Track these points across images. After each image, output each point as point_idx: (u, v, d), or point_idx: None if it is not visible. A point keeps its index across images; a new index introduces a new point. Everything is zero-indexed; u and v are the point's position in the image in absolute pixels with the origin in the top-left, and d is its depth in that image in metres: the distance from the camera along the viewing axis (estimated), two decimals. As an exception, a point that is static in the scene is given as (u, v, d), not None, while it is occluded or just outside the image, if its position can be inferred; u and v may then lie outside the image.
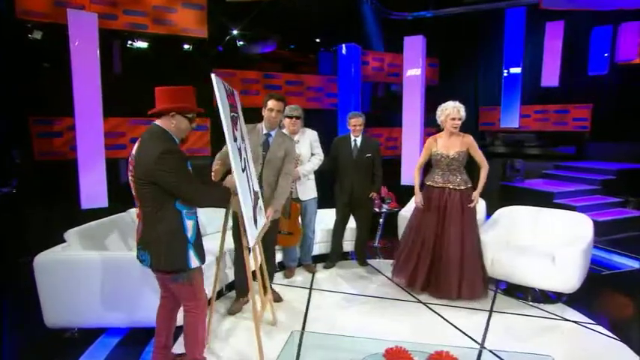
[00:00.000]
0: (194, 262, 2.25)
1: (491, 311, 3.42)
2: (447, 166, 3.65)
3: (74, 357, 2.85)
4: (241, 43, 6.88)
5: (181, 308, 2.47)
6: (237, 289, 3.50)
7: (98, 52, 4.88)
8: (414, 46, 6.12)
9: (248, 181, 2.82)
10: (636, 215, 6.07)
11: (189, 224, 2.23)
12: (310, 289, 3.93)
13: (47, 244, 3.14)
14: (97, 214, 4.96)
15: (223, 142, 2.52)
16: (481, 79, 8.06)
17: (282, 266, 4.26)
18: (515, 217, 3.92)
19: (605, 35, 7.33)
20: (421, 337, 3.00)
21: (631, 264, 4.64)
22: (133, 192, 2.22)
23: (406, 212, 4.44)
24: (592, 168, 6.90)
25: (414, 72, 6.17)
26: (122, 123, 5.80)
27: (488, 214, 4.36)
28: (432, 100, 6.75)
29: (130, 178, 2.22)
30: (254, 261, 3.14)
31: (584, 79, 7.49)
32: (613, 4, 6.98)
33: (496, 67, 7.72)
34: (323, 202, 4.29)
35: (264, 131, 3.29)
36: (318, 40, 7.64)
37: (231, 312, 3.38)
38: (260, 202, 3.09)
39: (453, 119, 3.57)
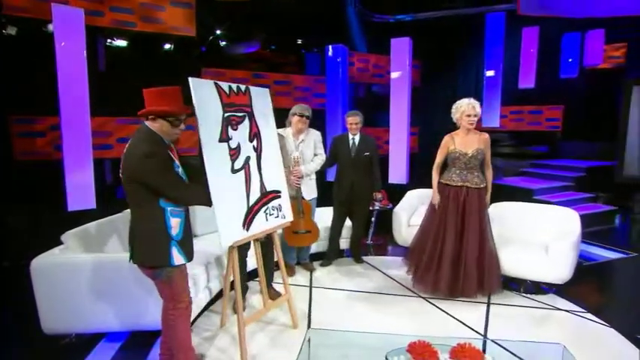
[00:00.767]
0: (177, 259, 2.23)
1: (489, 303, 3.48)
2: (464, 164, 3.50)
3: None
4: (230, 42, 6.74)
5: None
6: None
7: (85, 49, 4.65)
8: (401, 47, 6.16)
9: (247, 181, 2.74)
10: (606, 210, 6.36)
11: (174, 222, 2.21)
12: (310, 287, 3.89)
13: (33, 247, 2.95)
14: (84, 215, 4.75)
15: None
16: (461, 81, 8.22)
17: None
18: (506, 213, 4.00)
19: (575, 41, 7.64)
20: (426, 330, 3.00)
21: (606, 255, 4.84)
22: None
23: (401, 210, 4.46)
24: (564, 166, 7.18)
25: (400, 73, 6.22)
26: (108, 122, 5.56)
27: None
28: (415, 101, 6.86)
29: (120, 174, 2.21)
30: (257, 259, 3.11)
31: (556, 81, 7.77)
32: (581, 12, 7.30)
33: (474, 70, 7.90)
34: (320, 200, 4.25)
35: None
36: (305, 41, 7.58)
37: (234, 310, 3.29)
38: (277, 202, 3.00)
39: (469, 116, 3.42)
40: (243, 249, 3.23)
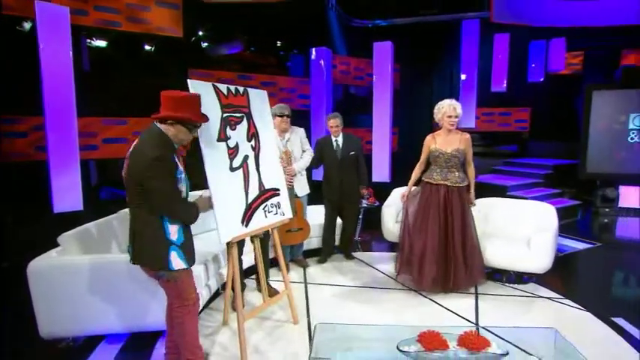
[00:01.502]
0: (177, 263, 2.15)
1: (476, 294, 3.58)
2: (445, 162, 3.53)
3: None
4: (216, 44, 6.63)
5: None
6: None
7: (71, 48, 4.45)
8: (383, 51, 6.25)
9: (245, 179, 2.75)
10: (572, 204, 6.70)
11: (172, 228, 2.13)
12: (305, 283, 3.88)
13: (21, 250, 2.81)
14: (71, 217, 4.55)
15: (198, 142, 2.46)
16: (437, 84, 8.44)
17: (273, 263, 4.15)
18: (488, 208, 4.12)
19: (540, 48, 8.00)
20: (421, 320, 3.07)
21: (575, 245, 5.09)
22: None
23: (388, 207, 4.52)
24: (533, 164, 7.50)
25: (383, 75, 6.31)
26: (94, 123, 5.35)
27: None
28: (395, 102, 6.98)
29: (123, 173, 2.16)
30: (258, 255, 3.09)
31: (524, 85, 8.11)
32: (545, 21, 7.66)
33: (450, 73, 8.13)
34: (310, 198, 4.25)
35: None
36: (289, 44, 7.56)
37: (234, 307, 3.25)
38: (276, 199, 2.99)
39: (450, 117, 3.46)
40: (237, 247, 3.19)
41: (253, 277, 3.79)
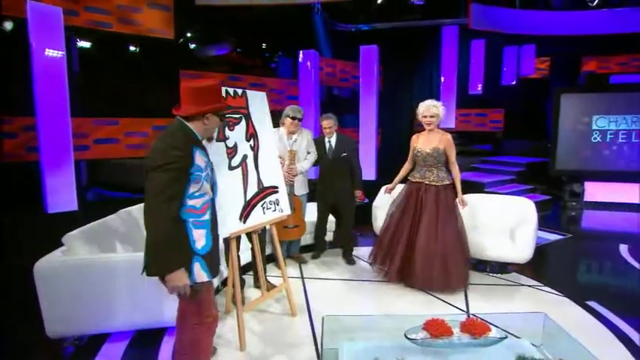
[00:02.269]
0: (200, 276, 1.84)
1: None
2: (423, 161, 3.54)
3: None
4: (207, 46, 6.54)
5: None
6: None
7: (65, 48, 4.31)
8: (369, 54, 6.32)
9: (244, 177, 2.78)
10: (543, 199, 6.98)
11: (197, 234, 1.83)
12: (302, 278, 3.91)
13: (19, 251, 2.72)
14: (66, 218, 4.42)
15: None
16: (416, 86, 8.61)
17: (269, 258, 4.16)
18: (472, 203, 4.25)
19: (513, 54, 8.29)
20: (416, 310, 3.18)
21: (548, 237, 5.32)
22: None
23: (379, 203, 4.59)
24: (507, 161, 7.76)
25: (369, 77, 6.38)
26: (85, 123, 5.20)
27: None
28: (378, 103, 7.08)
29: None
30: (257, 251, 3.12)
31: (498, 88, 8.38)
32: (517, 29, 7.96)
33: (430, 76, 8.31)
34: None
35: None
36: (278, 46, 7.54)
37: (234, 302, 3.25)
38: (274, 196, 3.02)
39: (425, 117, 3.49)
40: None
41: (250, 272, 3.79)
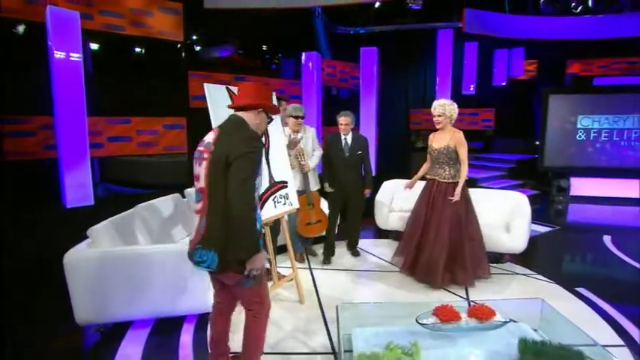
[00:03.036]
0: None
1: (464, 273, 3.76)
2: (435, 159, 3.49)
3: (113, 349, 2.58)
4: (214, 48, 6.53)
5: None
6: None
7: (81, 51, 4.29)
8: (369, 55, 6.34)
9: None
10: (532, 193, 7.08)
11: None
12: (310, 268, 3.95)
13: (44, 243, 2.74)
14: (84, 212, 4.43)
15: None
16: (412, 87, 8.65)
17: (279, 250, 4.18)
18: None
19: (503, 56, 8.36)
20: (420, 297, 3.24)
21: (538, 229, 5.39)
22: (203, 184, 1.83)
23: (382, 198, 4.65)
24: (498, 158, 7.84)
25: (369, 77, 6.41)
26: (98, 122, 5.19)
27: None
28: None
29: (200, 168, 1.85)
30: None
31: (489, 88, 8.45)
32: (507, 32, 8.02)
33: (425, 77, 8.35)
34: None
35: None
36: (281, 48, 7.53)
37: None
38: (284, 191, 3.06)
39: (433, 116, 3.48)
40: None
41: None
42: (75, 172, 4.39)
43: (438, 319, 2.09)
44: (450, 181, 3.44)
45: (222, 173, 1.76)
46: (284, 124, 3.85)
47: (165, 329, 2.83)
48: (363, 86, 6.54)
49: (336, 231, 4.43)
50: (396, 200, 4.67)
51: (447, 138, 3.45)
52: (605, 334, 2.70)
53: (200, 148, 1.89)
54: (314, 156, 3.94)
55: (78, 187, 4.43)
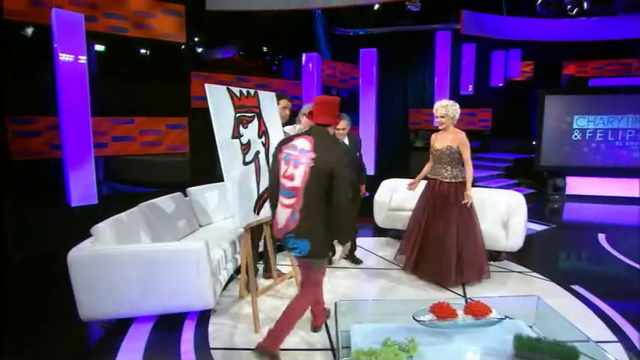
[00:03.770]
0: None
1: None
2: (438, 159, 3.42)
3: (116, 344, 2.58)
4: (216, 49, 6.52)
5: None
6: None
7: (85, 52, 4.29)
8: (369, 56, 6.33)
9: (257, 172, 2.83)
10: (528, 192, 7.06)
11: None
12: (310, 265, 3.94)
13: (49, 240, 2.73)
14: (88, 210, 4.43)
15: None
16: (410, 87, 8.63)
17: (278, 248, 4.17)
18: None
19: (500, 57, 8.33)
20: (417, 295, 3.23)
21: (534, 227, 5.37)
22: (298, 184, 2.09)
23: (380, 197, 4.63)
24: (495, 158, 7.83)
25: (368, 78, 6.39)
26: (103, 122, 5.19)
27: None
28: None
29: (295, 170, 2.10)
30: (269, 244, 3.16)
31: (487, 89, 8.43)
32: (504, 34, 8.01)
33: (423, 78, 8.33)
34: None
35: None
36: (282, 49, 7.52)
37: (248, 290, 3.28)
38: None
39: (436, 117, 3.41)
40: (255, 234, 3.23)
41: (261, 262, 3.81)
42: (79, 171, 4.39)
43: (435, 316, 2.08)
44: (452, 181, 3.39)
45: (326, 180, 2.06)
46: (297, 121, 3.82)
47: (167, 325, 2.83)
48: (362, 87, 6.53)
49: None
50: (395, 199, 4.65)
51: (449, 138, 3.38)
52: (599, 331, 2.69)
53: (293, 152, 2.14)
54: None
55: (82, 186, 4.43)
